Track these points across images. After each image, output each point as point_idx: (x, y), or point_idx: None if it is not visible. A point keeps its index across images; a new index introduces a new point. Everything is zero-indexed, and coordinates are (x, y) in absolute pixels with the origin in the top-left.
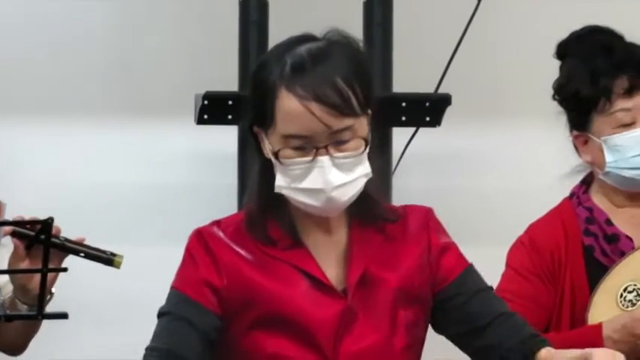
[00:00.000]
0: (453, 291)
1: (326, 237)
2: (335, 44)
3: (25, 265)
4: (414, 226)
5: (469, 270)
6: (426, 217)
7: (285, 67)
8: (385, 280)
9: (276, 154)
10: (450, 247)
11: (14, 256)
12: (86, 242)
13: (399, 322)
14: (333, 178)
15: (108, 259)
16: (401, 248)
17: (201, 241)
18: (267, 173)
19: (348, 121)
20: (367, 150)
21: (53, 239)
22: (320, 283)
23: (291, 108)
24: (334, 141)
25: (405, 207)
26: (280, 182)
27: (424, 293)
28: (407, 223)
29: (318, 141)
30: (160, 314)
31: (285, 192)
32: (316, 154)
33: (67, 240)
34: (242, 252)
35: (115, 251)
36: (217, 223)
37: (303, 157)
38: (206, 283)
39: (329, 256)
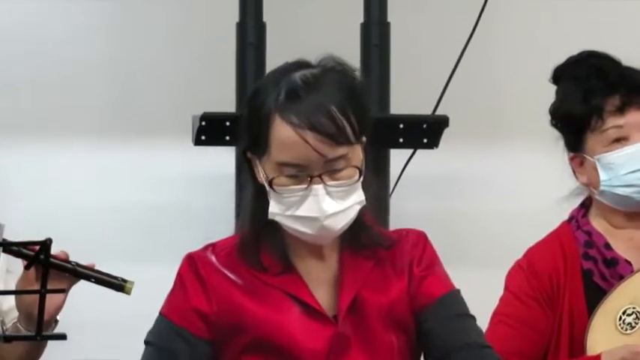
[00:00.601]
0: (428, 316)
1: (318, 263)
2: (329, 71)
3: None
4: (405, 251)
5: (448, 296)
6: (417, 241)
7: (280, 94)
8: (376, 306)
9: (270, 182)
10: (432, 273)
11: (25, 281)
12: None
13: (392, 347)
14: (326, 207)
15: (119, 285)
16: (391, 273)
17: (191, 266)
18: (261, 198)
19: (342, 150)
20: (361, 179)
21: (65, 264)
22: (311, 309)
23: (286, 136)
24: (328, 170)
25: (400, 231)
26: (274, 209)
27: (408, 319)
28: (399, 248)
29: (313, 169)
30: (146, 342)
31: (279, 219)
32: (310, 183)
33: (78, 265)
34: (233, 277)
35: (123, 276)
36: (212, 246)
37: (297, 185)
38: (194, 310)
39: (320, 282)
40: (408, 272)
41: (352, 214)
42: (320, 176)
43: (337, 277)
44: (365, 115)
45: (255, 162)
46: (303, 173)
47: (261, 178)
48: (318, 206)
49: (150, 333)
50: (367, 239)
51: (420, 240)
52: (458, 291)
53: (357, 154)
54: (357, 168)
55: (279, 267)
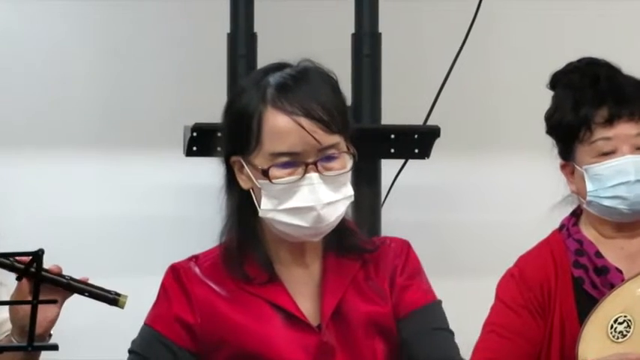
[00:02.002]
0: (404, 327)
1: (302, 270)
2: (311, 70)
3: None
4: (388, 258)
5: (426, 308)
6: (400, 250)
7: (267, 89)
8: (361, 312)
9: (265, 172)
10: (414, 283)
11: (19, 294)
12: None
13: (376, 354)
14: (322, 196)
15: (113, 299)
16: (375, 280)
17: (175, 277)
18: (245, 207)
19: (335, 138)
20: (352, 166)
21: (59, 278)
22: (295, 319)
23: (281, 124)
24: (323, 157)
25: (384, 239)
26: (266, 206)
27: (393, 326)
28: (383, 255)
29: (307, 157)
30: (130, 352)
31: (271, 216)
32: (305, 172)
33: (72, 279)
34: (217, 288)
35: (115, 288)
36: (195, 257)
37: (292, 175)
38: (178, 320)
39: (304, 291)
40: (389, 280)
41: (342, 209)
42: (315, 164)
43: (321, 285)
44: (346, 111)
45: (240, 165)
46: (298, 160)
47: (247, 181)
48: (314, 195)
49: (134, 342)
50: (352, 242)
51: (403, 249)
52: (439, 303)
53: (345, 146)
54: (351, 154)
55: (264, 277)
